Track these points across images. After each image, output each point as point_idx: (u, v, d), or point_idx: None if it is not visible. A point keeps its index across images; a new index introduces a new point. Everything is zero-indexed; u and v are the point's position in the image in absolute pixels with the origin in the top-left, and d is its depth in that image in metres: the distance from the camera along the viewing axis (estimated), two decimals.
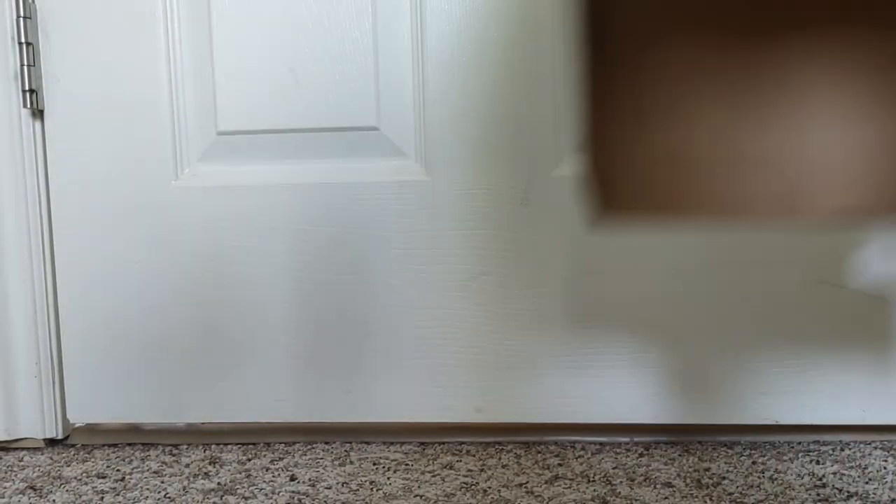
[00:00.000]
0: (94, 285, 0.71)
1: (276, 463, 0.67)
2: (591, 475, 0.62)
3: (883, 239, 0.63)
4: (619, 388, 0.68)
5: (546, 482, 0.61)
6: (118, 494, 0.62)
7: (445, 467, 0.65)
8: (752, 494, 0.58)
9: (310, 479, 0.64)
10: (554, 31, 0.66)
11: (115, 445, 0.73)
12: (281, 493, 0.61)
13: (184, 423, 0.73)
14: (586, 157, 0.32)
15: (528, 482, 0.62)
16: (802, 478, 0.61)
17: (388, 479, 0.63)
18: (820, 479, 0.60)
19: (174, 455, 0.70)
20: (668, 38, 0.30)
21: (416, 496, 0.60)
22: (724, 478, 0.61)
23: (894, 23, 0.28)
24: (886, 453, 0.65)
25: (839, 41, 0.29)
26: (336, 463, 0.67)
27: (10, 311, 0.72)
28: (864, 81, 0.29)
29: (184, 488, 0.63)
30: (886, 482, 0.59)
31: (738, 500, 0.57)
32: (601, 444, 0.69)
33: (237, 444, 0.72)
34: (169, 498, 0.61)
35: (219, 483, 0.64)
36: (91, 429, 0.74)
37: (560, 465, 0.65)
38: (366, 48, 0.68)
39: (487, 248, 0.68)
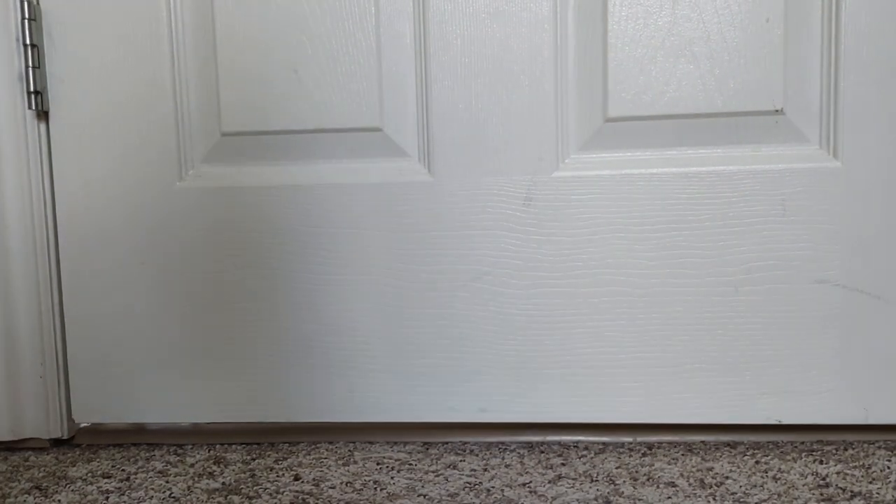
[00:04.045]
0: (98, 286, 0.72)
1: (280, 463, 0.68)
2: (595, 475, 0.62)
3: None
4: (621, 388, 0.68)
5: (549, 482, 0.62)
6: (123, 494, 0.62)
7: (449, 467, 0.65)
8: (756, 494, 0.58)
9: (314, 479, 0.64)
10: (557, 29, 0.66)
11: (119, 445, 0.74)
12: (285, 493, 0.61)
13: (188, 424, 0.73)
14: None
15: (531, 482, 0.62)
16: (806, 477, 0.61)
17: (392, 478, 0.63)
18: (823, 479, 0.60)
19: (179, 455, 0.71)
20: None
21: (419, 496, 0.60)
22: (727, 477, 0.61)
23: None
24: (890, 453, 0.65)
25: None
26: (340, 463, 0.67)
27: (15, 312, 0.72)
28: None
29: (188, 488, 0.63)
30: (890, 482, 0.59)
31: (742, 499, 0.57)
32: (604, 443, 0.69)
33: (241, 444, 0.72)
34: (174, 497, 0.61)
35: (223, 483, 0.64)
36: (96, 429, 0.74)
37: (563, 464, 0.65)
38: (369, 49, 0.68)
39: (490, 249, 0.68)
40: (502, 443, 0.70)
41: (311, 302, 0.70)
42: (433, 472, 0.64)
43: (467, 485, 0.62)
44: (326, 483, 0.63)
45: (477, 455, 0.68)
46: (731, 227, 0.65)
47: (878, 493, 0.57)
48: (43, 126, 0.71)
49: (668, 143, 0.66)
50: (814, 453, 0.65)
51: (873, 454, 0.64)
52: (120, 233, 0.71)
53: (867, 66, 0.63)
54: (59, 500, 0.62)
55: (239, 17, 0.69)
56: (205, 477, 0.65)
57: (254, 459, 0.69)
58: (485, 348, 0.69)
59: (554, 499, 0.58)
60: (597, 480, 0.61)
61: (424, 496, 0.60)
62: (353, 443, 0.72)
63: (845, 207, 0.64)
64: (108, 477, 0.66)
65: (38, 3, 0.70)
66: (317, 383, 0.71)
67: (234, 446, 0.72)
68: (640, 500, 0.58)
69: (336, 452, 0.70)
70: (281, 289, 0.70)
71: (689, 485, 0.60)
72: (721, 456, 0.65)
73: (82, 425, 0.74)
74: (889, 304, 0.65)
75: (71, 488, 0.64)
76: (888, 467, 0.62)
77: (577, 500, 0.58)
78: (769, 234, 0.65)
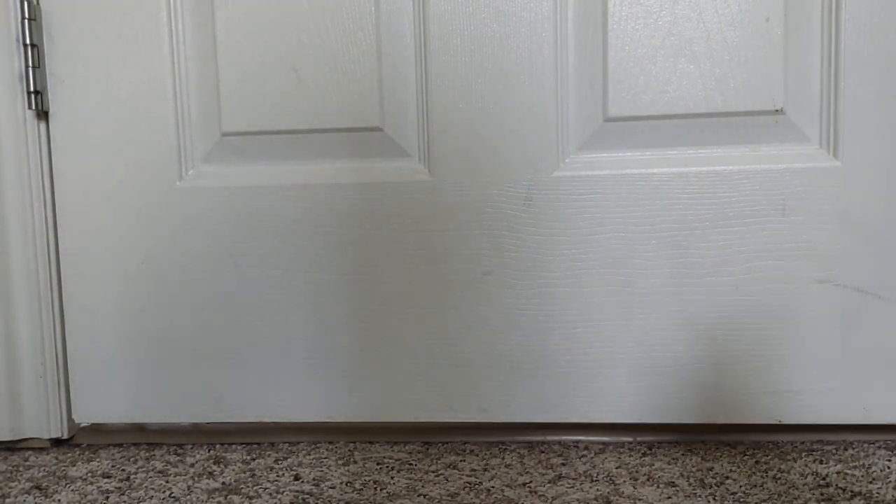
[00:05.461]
0: (98, 286, 0.72)
1: (280, 462, 0.68)
2: (595, 475, 0.62)
3: None
4: (621, 388, 0.68)
5: (549, 482, 0.62)
6: (123, 494, 0.62)
7: (449, 467, 0.65)
8: (756, 494, 0.58)
9: (314, 479, 0.64)
10: (557, 29, 0.66)
11: (120, 445, 0.74)
12: (285, 493, 0.61)
13: (189, 423, 0.73)
14: None
15: (531, 482, 0.62)
16: (806, 477, 0.61)
17: (392, 478, 0.63)
18: (823, 479, 0.60)
19: (179, 455, 0.71)
20: None
21: (419, 495, 0.60)
22: (727, 477, 0.61)
23: None
24: (890, 453, 0.65)
25: None
26: (340, 462, 0.67)
27: (15, 312, 0.72)
28: None
29: (188, 488, 0.63)
30: (890, 481, 0.59)
31: (742, 499, 0.57)
32: (604, 443, 0.69)
33: (241, 443, 0.72)
34: (174, 497, 0.61)
35: (223, 483, 0.64)
36: (96, 429, 0.74)
37: (563, 464, 0.65)
38: (369, 49, 0.68)
39: (490, 248, 0.68)
40: (502, 443, 0.70)
41: (310, 301, 0.70)
42: (433, 472, 0.64)
43: (467, 485, 0.62)
44: (326, 483, 0.63)
45: (477, 455, 0.68)
46: (731, 227, 0.65)
47: (878, 493, 0.57)
48: (43, 126, 0.71)
49: (668, 143, 0.66)
50: (814, 453, 0.65)
51: (873, 454, 0.64)
52: (120, 232, 0.71)
53: (867, 65, 0.63)
54: (59, 500, 0.62)
55: (239, 17, 0.69)
56: (205, 477, 0.65)
57: (254, 459, 0.69)
58: (485, 348, 0.69)
59: (554, 499, 0.58)
60: (597, 480, 0.61)
61: (424, 496, 0.60)
62: (353, 443, 0.72)
63: (845, 207, 0.64)
64: (108, 477, 0.66)
65: (38, 3, 0.70)
66: (315, 383, 0.71)
67: (234, 446, 0.72)
68: (640, 500, 0.58)
69: (336, 452, 0.70)
70: (279, 288, 0.70)
71: (690, 484, 0.60)
72: (721, 455, 0.65)
73: (82, 425, 0.75)
74: (889, 304, 0.65)
75: (71, 488, 0.64)
76: (888, 467, 0.62)
77: (577, 500, 0.58)
78: (769, 234, 0.65)
